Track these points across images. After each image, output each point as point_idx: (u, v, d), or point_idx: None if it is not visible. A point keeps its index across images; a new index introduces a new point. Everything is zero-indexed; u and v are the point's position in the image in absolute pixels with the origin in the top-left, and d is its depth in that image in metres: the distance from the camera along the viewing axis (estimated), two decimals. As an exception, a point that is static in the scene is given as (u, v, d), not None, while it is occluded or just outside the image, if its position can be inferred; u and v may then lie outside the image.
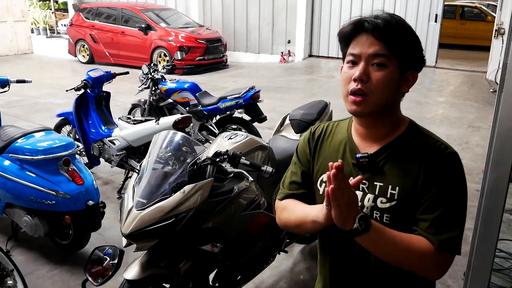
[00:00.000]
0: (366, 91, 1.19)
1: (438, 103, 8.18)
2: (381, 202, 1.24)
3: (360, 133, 1.31)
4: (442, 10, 11.19)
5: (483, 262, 2.31)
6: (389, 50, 1.17)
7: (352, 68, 1.22)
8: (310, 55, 13.08)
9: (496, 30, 9.41)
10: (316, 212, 1.23)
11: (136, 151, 4.21)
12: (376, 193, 1.25)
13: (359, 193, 1.28)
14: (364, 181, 1.27)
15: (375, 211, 1.25)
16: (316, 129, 1.45)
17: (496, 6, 13.91)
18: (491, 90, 8.95)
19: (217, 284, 2.41)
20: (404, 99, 1.31)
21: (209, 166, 2.13)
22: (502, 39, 9.06)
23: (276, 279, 3.14)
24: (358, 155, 1.27)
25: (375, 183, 1.26)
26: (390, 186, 1.23)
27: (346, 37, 1.24)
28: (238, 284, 2.52)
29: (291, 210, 1.39)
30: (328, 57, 12.71)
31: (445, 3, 11.52)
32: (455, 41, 14.13)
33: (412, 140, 1.25)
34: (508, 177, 2.12)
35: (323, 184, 1.35)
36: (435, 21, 10.98)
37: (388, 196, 1.23)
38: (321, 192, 1.36)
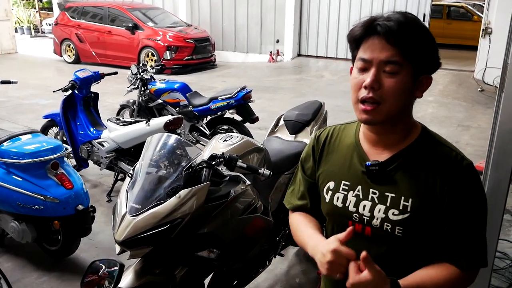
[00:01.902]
0: (377, 99, 1.11)
1: (427, 102, 8.19)
2: (393, 214, 1.17)
3: (369, 139, 1.25)
4: (429, 10, 11.27)
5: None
6: (402, 55, 1.08)
7: (362, 73, 1.13)
8: (299, 55, 13.05)
9: (483, 29, 9.46)
10: (311, 248, 1.21)
11: (126, 153, 4.12)
12: (388, 204, 1.18)
13: (368, 203, 1.21)
14: (374, 191, 1.21)
15: (385, 223, 1.18)
16: (321, 133, 1.38)
17: (481, 6, 14.05)
18: (478, 89, 9.02)
19: (213, 290, 2.35)
20: None
21: (204, 170, 2.07)
22: (489, 39, 9.12)
23: (272, 283, 3.09)
24: (368, 163, 1.20)
25: (386, 193, 1.19)
26: (403, 198, 1.16)
27: (356, 40, 1.15)
28: (234, 290, 2.46)
29: (295, 230, 1.38)
30: (317, 57, 12.69)
31: (432, 2, 11.60)
32: (442, 41, 14.16)
33: (425, 148, 1.18)
34: (509, 178, 2.10)
35: (330, 192, 1.29)
36: (423, 21, 11.02)
37: (401, 208, 1.16)
38: (327, 200, 1.30)
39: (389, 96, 1.10)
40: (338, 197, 1.27)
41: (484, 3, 11.39)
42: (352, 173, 1.25)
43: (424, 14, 11.14)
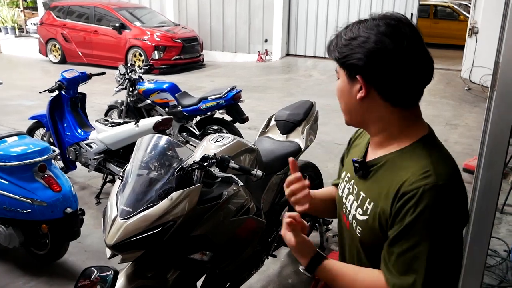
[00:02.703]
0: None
1: (415, 101, 8.22)
2: (359, 213, 1.20)
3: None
4: (417, 9, 11.36)
5: (476, 260, 2.30)
6: (336, 62, 1.16)
7: None
8: (288, 54, 13.04)
9: (470, 29, 9.54)
10: None
11: (114, 155, 4.07)
12: (358, 202, 1.20)
13: (351, 198, 1.25)
14: (355, 187, 1.24)
15: (354, 220, 1.22)
16: (358, 129, 1.44)
17: (467, 5, 14.19)
18: (465, 88, 9.10)
19: (205, 293, 2.32)
20: None
21: (196, 171, 2.04)
22: (476, 38, 9.20)
23: (264, 284, 3.07)
24: (353, 159, 1.23)
25: (360, 192, 1.21)
26: (368, 200, 1.17)
27: None
28: (227, 292, 2.44)
29: None
30: (305, 56, 12.70)
31: (419, 2, 11.67)
32: (429, 40, 14.07)
33: (410, 157, 1.11)
34: (501, 177, 2.10)
35: (341, 181, 1.36)
36: (411, 19, 11.07)
37: (364, 209, 1.17)
38: (338, 188, 1.38)
39: (337, 97, 1.22)
40: (341, 187, 1.34)
41: (470, 3, 11.50)
42: (353, 167, 1.28)
43: (412, 14, 11.21)
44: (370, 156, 1.22)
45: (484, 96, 8.44)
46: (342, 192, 1.31)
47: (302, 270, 1.22)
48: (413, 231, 1.04)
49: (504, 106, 1.95)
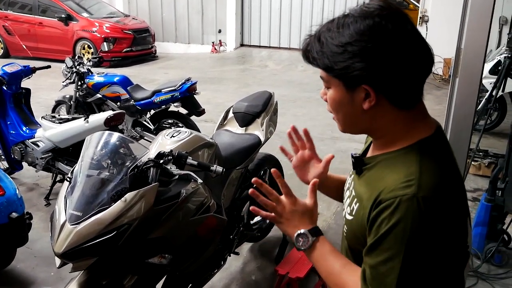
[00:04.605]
0: (328, 110, 1.12)
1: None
2: (347, 212, 1.14)
3: None
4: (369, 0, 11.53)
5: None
6: (325, 71, 1.03)
7: None
8: (242, 45, 12.91)
9: (420, 17, 9.76)
10: None
11: (63, 153, 3.84)
12: (349, 201, 1.14)
13: (347, 194, 1.19)
14: (350, 183, 1.18)
15: (344, 218, 1.16)
16: None
17: (416, -6, 14.50)
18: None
19: (165, 296, 2.20)
20: None
21: (152, 169, 1.91)
22: (426, 26, 9.42)
23: (227, 282, 2.98)
24: (352, 153, 1.16)
25: (353, 189, 1.14)
26: (355, 199, 1.10)
27: None
28: (189, 294, 2.33)
29: None
30: (260, 46, 12.62)
31: (368, -8, 11.87)
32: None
33: (400, 161, 1.03)
34: (465, 163, 2.10)
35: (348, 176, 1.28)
36: (362, 10, 11.28)
37: (351, 208, 1.11)
38: None
39: (330, 108, 1.10)
40: (347, 180, 1.26)
41: (419, -8, 11.73)
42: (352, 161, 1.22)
43: (364, 3, 11.38)
44: (369, 154, 1.15)
45: (436, 83, 8.66)
46: (345, 186, 1.25)
47: (302, 231, 1.11)
48: (386, 244, 0.95)
49: (467, 92, 1.93)
